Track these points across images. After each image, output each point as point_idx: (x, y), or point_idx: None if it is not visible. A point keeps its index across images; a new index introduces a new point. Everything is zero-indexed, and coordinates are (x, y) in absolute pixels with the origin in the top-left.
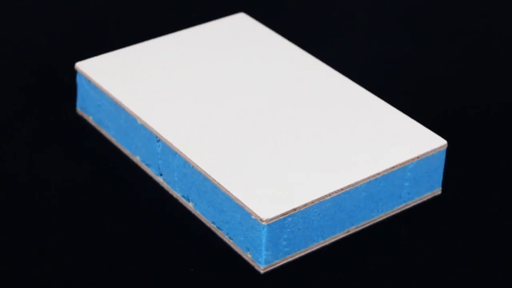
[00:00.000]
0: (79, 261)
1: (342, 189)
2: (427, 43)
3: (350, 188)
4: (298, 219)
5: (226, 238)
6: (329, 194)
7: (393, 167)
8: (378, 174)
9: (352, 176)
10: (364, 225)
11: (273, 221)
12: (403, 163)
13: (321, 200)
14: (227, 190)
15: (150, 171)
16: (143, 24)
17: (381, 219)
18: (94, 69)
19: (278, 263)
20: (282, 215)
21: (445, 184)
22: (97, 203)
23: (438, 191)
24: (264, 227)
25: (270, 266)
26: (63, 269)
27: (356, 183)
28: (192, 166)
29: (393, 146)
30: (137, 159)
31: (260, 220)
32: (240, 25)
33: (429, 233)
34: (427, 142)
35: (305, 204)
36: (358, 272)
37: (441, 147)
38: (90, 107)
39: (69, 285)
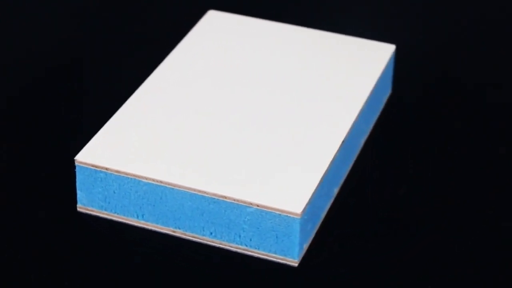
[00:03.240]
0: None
1: (161, 182)
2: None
3: (170, 186)
4: (112, 182)
5: None
6: (146, 178)
7: (225, 197)
8: (205, 192)
9: (179, 176)
10: (194, 237)
11: (84, 165)
12: (238, 201)
13: (137, 178)
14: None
15: None
16: None
17: (217, 245)
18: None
19: (94, 211)
20: (93, 166)
21: (306, 259)
22: None
23: (293, 261)
24: (75, 166)
25: (86, 209)
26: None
27: (178, 186)
28: None
29: (262, 181)
30: None
31: (77, 161)
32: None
33: None
34: (284, 200)
35: (118, 171)
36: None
37: (292, 213)
38: None
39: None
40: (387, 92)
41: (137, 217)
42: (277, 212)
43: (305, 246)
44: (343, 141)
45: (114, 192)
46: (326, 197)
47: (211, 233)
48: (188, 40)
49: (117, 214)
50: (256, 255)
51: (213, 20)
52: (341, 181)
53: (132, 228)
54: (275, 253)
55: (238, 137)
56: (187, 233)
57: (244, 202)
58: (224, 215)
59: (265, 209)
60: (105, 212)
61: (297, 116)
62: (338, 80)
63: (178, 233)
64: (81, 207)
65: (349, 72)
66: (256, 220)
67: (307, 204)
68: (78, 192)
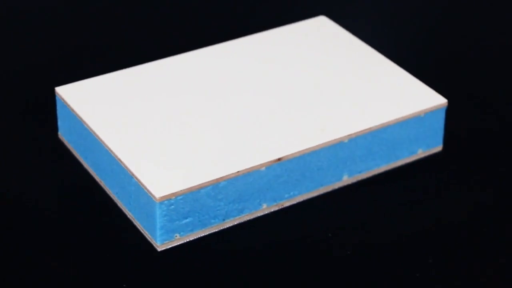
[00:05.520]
0: None
1: (93, 132)
2: None
3: (97, 139)
4: (71, 119)
5: None
6: (86, 124)
7: (121, 161)
8: (112, 152)
9: (106, 133)
10: (109, 193)
11: (59, 98)
12: (127, 169)
13: (82, 122)
14: None
15: None
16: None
17: (119, 205)
18: None
19: (65, 142)
20: (63, 100)
21: (177, 248)
22: None
23: (156, 245)
24: (56, 96)
25: (62, 138)
26: None
27: (101, 140)
28: None
29: (161, 160)
30: None
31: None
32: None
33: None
34: (156, 182)
35: (73, 111)
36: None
37: (153, 196)
38: None
39: None
40: (431, 145)
41: (83, 159)
42: (146, 191)
43: (178, 236)
44: (278, 159)
45: (73, 130)
46: (237, 204)
47: (116, 193)
48: (267, 33)
49: (74, 150)
50: (138, 227)
51: (313, 25)
52: (283, 200)
53: (78, 167)
54: (147, 230)
55: (193, 122)
56: (106, 187)
57: (130, 172)
58: (121, 179)
59: (141, 185)
60: (69, 145)
61: (273, 122)
62: (356, 106)
63: (102, 184)
64: (60, 135)
65: (376, 104)
66: (137, 193)
67: (175, 194)
68: (58, 120)
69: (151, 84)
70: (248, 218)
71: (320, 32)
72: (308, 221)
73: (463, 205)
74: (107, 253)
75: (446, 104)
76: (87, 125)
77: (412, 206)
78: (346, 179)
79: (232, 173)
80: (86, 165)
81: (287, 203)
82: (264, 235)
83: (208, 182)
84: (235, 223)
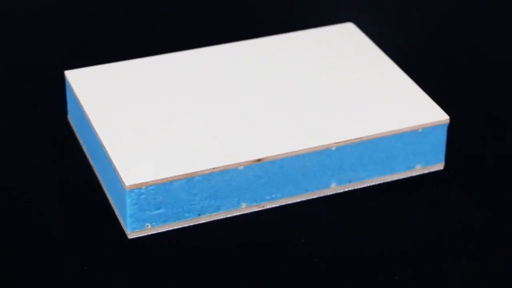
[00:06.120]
0: None
1: (87, 116)
2: None
3: (89, 123)
4: (74, 102)
5: None
6: (83, 108)
7: (104, 147)
8: (99, 138)
9: (99, 120)
10: (98, 177)
11: (67, 81)
12: (108, 155)
13: (81, 106)
14: None
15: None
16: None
17: (105, 192)
18: None
19: (71, 123)
20: (69, 84)
21: (150, 238)
22: None
23: (127, 232)
24: (66, 80)
25: (70, 120)
26: None
27: (92, 126)
28: None
29: (144, 149)
30: None
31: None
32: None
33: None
34: (130, 170)
35: (76, 95)
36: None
37: (124, 184)
38: None
39: None
40: (431, 162)
41: (83, 142)
42: (119, 178)
43: (149, 226)
44: (258, 159)
45: (75, 113)
46: (214, 201)
47: (103, 179)
48: (289, 35)
49: (75, 129)
50: (116, 213)
51: (337, 31)
52: (264, 202)
53: (73, 145)
54: (121, 217)
55: (184, 117)
56: (96, 171)
57: (109, 158)
58: (105, 165)
59: (116, 172)
60: (74, 128)
61: (262, 123)
62: (352, 115)
63: (94, 169)
64: (68, 118)
65: (373, 114)
66: (114, 179)
67: (146, 184)
68: (67, 104)
69: (154, 76)
70: (225, 216)
71: (342, 39)
72: (287, 225)
73: (451, 223)
74: (85, 237)
75: (448, 121)
76: (83, 108)
77: (399, 221)
78: (335, 187)
79: (207, 169)
80: (84, 148)
81: (268, 205)
82: (239, 234)
83: (182, 175)
84: (211, 220)
